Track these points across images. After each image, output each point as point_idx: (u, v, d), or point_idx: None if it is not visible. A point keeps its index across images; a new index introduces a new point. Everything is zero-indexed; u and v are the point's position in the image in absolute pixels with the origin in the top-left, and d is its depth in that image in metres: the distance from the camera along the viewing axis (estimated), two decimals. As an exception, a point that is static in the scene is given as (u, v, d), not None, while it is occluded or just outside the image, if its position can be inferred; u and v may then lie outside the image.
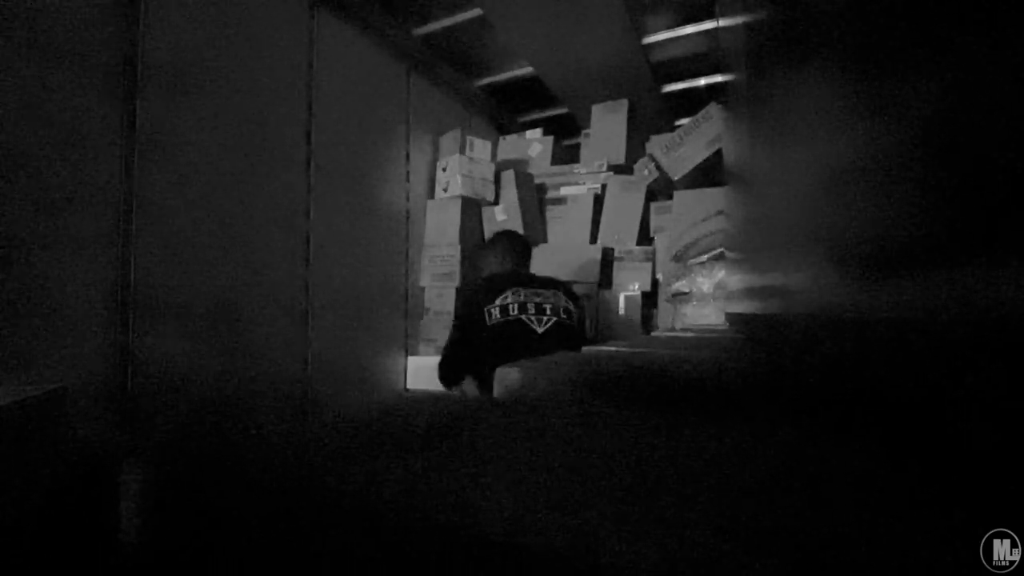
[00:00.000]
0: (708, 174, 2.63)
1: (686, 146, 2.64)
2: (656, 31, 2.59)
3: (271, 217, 1.95)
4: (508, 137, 3.28)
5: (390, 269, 2.62)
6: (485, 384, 1.76)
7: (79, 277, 1.37)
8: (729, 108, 1.89)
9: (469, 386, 1.85)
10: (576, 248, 2.82)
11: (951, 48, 0.21)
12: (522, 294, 1.86)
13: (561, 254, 2.84)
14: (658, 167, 2.72)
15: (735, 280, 1.74)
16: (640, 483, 0.25)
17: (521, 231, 2.78)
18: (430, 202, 2.86)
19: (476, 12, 2.42)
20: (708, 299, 2.50)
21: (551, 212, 3.00)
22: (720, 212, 2.43)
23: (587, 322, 2.34)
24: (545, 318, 1.82)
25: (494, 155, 2.99)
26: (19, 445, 0.66)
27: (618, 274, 2.73)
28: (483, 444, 0.31)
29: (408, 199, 2.74)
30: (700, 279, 2.51)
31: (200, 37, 1.71)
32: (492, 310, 1.82)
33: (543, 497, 0.23)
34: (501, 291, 1.86)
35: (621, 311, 2.66)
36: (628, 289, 2.68)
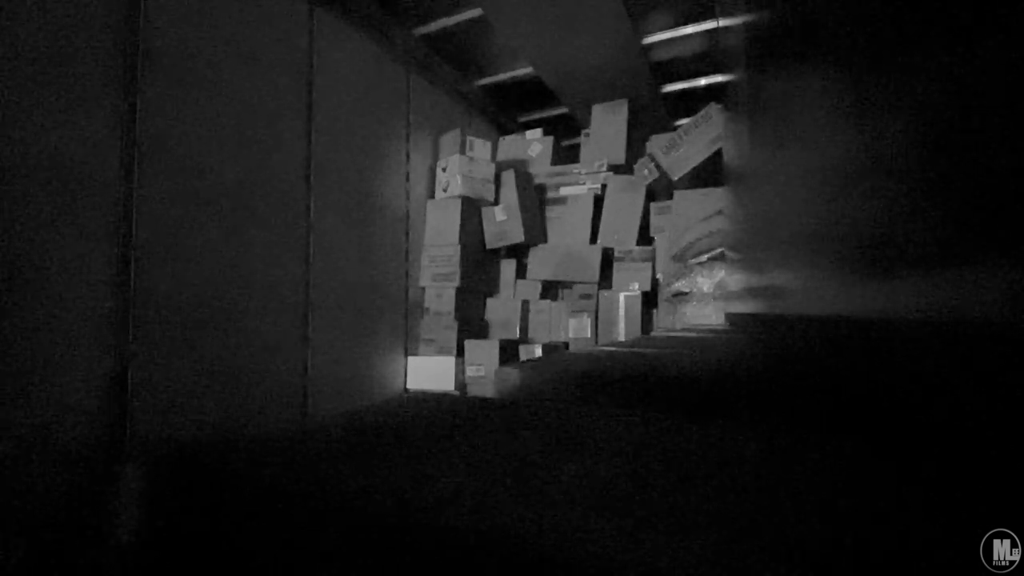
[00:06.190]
0: (708, 174, 2.63)
1: (686, 146, 2.64)
2: (656, 31, 2.59)
3: (271, 217, 1.95)
4: (508, 137, 3.28)
5: (390, 269, 2.62)
6: None
7: (79, 278, 1.37)
8: (729, 108, 1.89)
9: None
10: (576, 248, 2.82)
11: (951, 48, 0.21)
12: None
13: (561, 254, 2.84)
14: (658, 167, 2.72)
15: (735, 280, 1.74)
16: (640, 482, 0.25)
17: (521, 231, 2.79)
18: (430, 202, 2.86)
19: (476, 12, 2.42)
20: (708, 299, 2.51)
21: (551, 212, 3.00)
22: (720, 212, 2.43)
23: None
24: None
25: (494, 155, 2.99)
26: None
27: (618, 274, 2.73)
28: (482, 444, 0.31)
29: (408, 199, 2.74)
30: (700, 279, 2.51)
31: (200, 37, 1.71)
32: None
33: (541, 497, 0.23)
34: None
35: (621, 311, 2.66)
36: (628, 289, 2.68)
